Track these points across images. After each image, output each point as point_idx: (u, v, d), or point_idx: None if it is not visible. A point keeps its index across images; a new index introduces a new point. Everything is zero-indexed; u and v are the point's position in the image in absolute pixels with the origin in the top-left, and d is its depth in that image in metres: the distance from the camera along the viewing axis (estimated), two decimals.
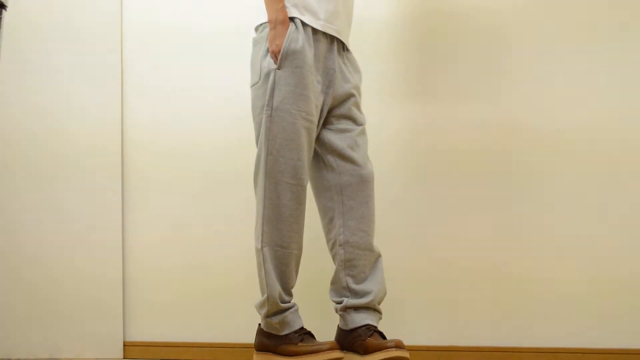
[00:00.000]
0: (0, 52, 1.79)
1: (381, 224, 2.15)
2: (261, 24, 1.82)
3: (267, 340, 1.78)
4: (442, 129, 2.16)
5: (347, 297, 1.81)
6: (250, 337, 2.13)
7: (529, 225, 2.09)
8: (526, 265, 2.08)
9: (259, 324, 1.83)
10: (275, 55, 1.74)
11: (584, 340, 2.03)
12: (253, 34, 1.86)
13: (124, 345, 2.26)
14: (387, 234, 2.15)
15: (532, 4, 2.16)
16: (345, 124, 1.87)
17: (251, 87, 1.83)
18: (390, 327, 2.11)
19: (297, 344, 1.73)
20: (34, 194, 2.32)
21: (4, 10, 1.75)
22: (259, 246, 1.75)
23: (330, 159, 1.86)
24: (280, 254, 1.75)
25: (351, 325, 1.80)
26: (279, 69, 1.74)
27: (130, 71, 2.35)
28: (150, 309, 2.27)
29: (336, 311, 1.85)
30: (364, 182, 1.85)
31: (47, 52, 2.37)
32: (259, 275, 1.77)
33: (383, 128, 2.18)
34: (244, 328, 2.17)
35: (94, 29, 2.36)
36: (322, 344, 1.70)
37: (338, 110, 1.87)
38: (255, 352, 1.82)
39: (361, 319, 1.79)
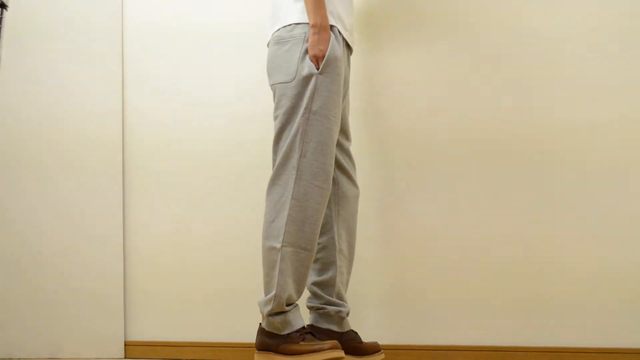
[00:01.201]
0: (1, 51, 1.79)
1: (381, 223, 2.16)
2: (290, 24, 1.80)
3: (268, 339, 1.78)
4: (442, 126, 2.17)
5: (336, 299, 1.90)
6: (251, 337, 2.14)
7: (529, 225, 2.10)
8: (526, 264, 2.09)
9: (260, 324, 1.83)
10: (317, 60, 1.75)
11: (584, 340, 2.03)
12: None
13: (125, 345, 2.26)
14: (387, 233, 2.16)
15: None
16: (341, 138, 1.93)
17: (276, 84, 1.80)
18: (390, 326, 2.12)
19: (298, 343, 1.73)
20: (35, 192, 2.32)
21: (4, 10, 1.75)
22: (278, 245, 1.74)
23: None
24: (302, 256, 1.75)
25: (346, 328, 1.90)
26: (320, 74, 1.75)
27: (132, 70, 2.36)
28: (152, 308, 2.27)
29: (318, 309, 1.90)
30: (355, 199, 1.96)
31: (48, 51, 2.37)
32: (269, 274, 1.76)
33: (385, 124, 2.19)
34: (245, 327, 2.18)
35: (95, 28, 2.36)
36: (323, 343, 1.70)
37: (341, 121, 1.91)
38: (256, 351, 1.82)
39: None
